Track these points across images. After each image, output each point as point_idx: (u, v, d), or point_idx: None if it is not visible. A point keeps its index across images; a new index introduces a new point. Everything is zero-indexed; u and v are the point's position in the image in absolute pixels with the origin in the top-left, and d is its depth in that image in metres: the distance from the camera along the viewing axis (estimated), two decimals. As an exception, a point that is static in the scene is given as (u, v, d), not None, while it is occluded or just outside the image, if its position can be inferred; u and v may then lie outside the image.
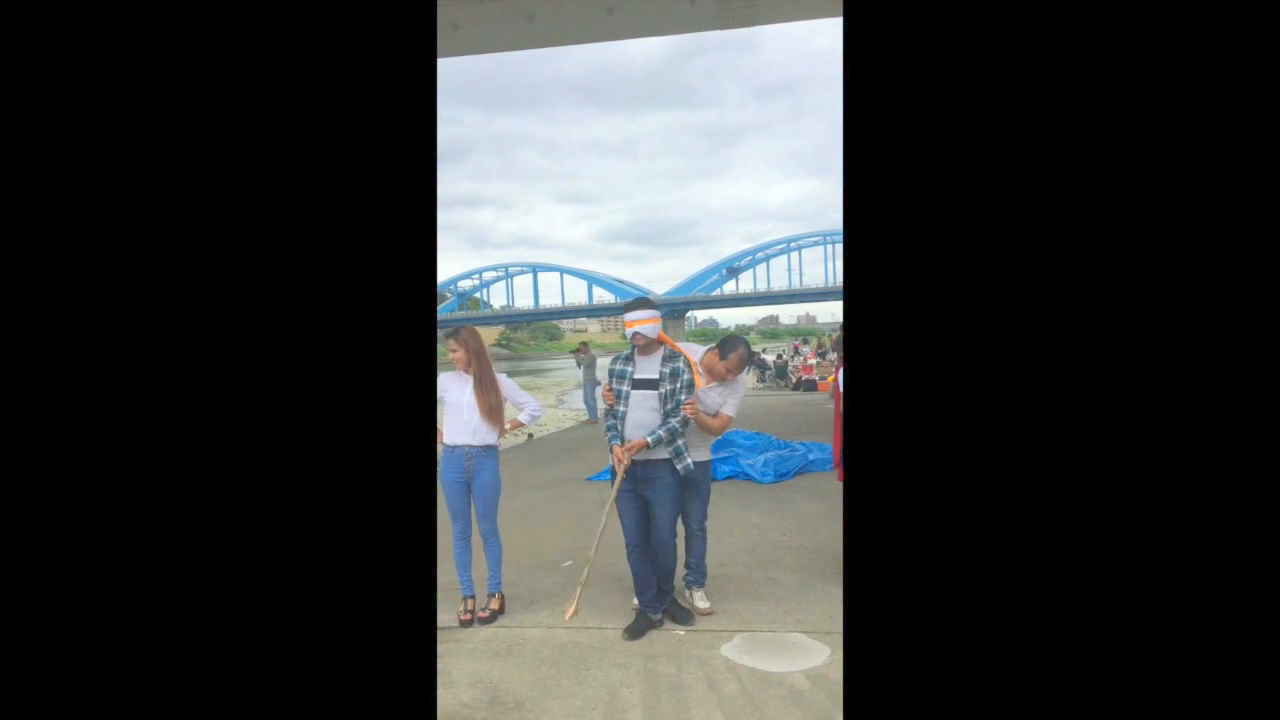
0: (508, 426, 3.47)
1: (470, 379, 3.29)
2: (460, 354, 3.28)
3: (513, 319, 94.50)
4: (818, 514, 4.90)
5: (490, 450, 3.32)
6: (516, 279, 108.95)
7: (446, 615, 3.35)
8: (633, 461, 2.99)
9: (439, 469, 3.32)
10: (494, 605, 3.35)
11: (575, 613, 2.97)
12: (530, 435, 9.93)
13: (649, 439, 2.96)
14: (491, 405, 3.25)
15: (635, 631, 3.01)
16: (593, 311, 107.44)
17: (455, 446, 3.29)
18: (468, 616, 3.29)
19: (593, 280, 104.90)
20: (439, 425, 3.37)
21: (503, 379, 3.43)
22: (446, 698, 2.54)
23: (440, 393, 3.41)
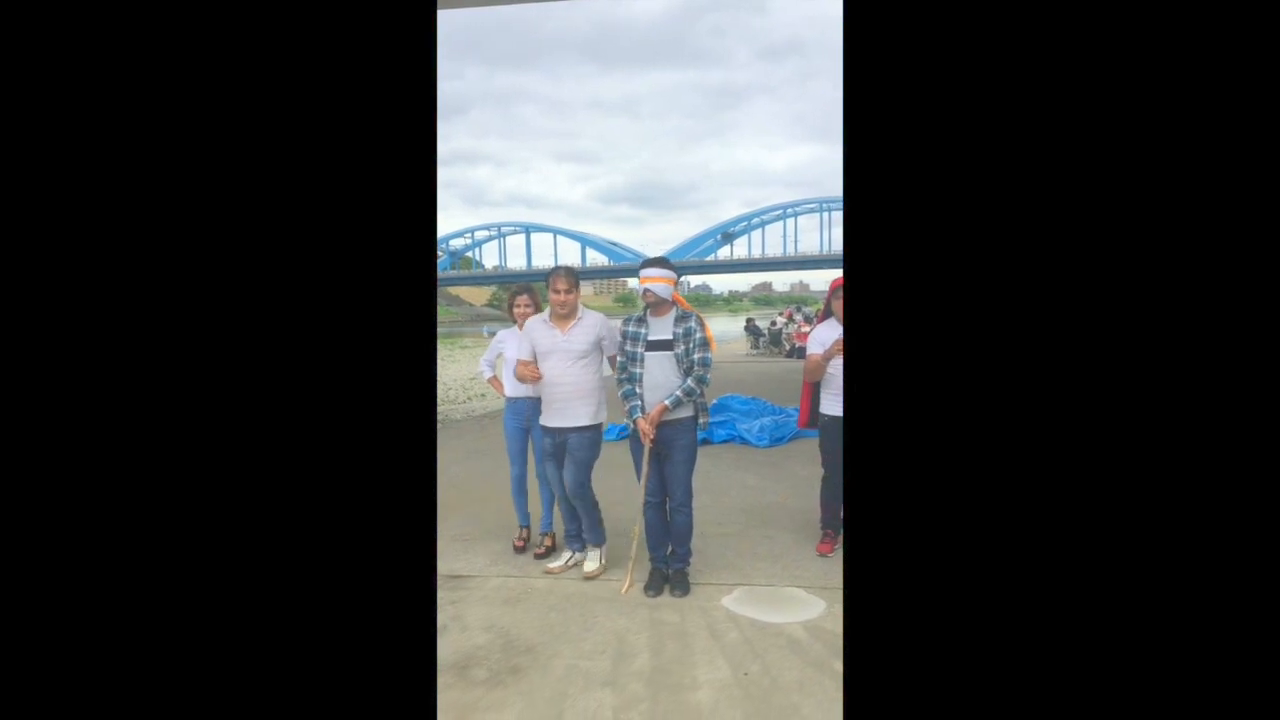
0: None
1: None
2: (532, 308, 3.53)
3: (505, 279, 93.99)
4: (812, 477, 5.00)
5: None
6: (509, 239, 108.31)
7: (459, 563, 3.50)
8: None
9: (504, 417, 3.69)
10: (547, 543, 3.65)
11: (631, 585, 3.12)
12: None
13: (668, 403, 3.02)
14: None
15: (654, 587, 3.10)
16: (586, 274, 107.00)
17: (516, 398, 3.57)
18: (521, 544, 3.66)
19: (586, 242, 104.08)
20: (500, 378, 3.70)
21: None
22: (462, 641, 2.67)
23: (499, 348, 3.71)
